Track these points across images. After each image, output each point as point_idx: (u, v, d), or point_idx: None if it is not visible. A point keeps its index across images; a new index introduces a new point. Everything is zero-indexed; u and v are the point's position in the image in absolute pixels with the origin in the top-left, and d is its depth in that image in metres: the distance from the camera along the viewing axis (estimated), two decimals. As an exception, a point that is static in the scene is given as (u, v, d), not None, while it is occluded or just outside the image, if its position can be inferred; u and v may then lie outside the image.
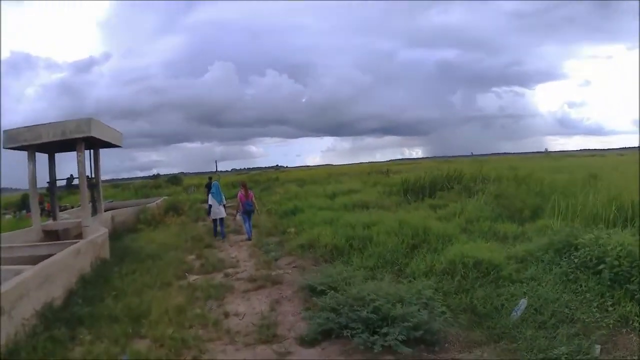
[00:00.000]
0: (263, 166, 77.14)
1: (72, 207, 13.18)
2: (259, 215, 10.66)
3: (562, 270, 4.62)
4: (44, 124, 7.18)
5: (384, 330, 3.59)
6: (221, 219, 9.41)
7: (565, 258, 4.85)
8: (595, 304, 3.96)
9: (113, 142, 8.76)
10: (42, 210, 11.95)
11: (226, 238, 9.24)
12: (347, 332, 3.69)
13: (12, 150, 7.23)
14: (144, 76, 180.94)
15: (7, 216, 16.69)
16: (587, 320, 3.75)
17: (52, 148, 8.05)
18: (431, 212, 8.84)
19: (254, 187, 19.05)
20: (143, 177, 54.12)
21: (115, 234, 9.07)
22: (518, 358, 3.34)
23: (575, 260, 4.66)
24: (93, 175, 8.95)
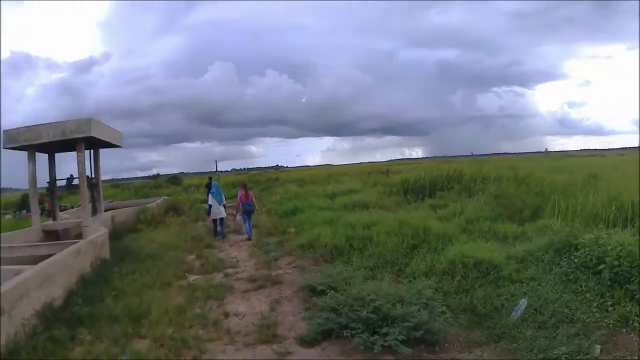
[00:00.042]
0: (263, 166, 77.27)
1: (72, 207, 13.19)
2: (259, 215, 10.66)
3: (562, 270, 4.62)
4: (44, 124, 7.17)
5: (384, 330, 3.59)
6: (221, 219, 9.41)
7: (565, 258, 4.85)
8: (595, 304, 3.96)
9: (113, 142, 8.76)
10: (42, 210, 11.96)
11: (226, 238, 9.24)
12: (347, 332, 3.69)
13: (12, 150, 7.23)
14: (144, 76, 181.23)
15: (7, 216, 16.67)
16: (587, 320, 3.75)
17: (52, 148, 8.04)
18: (431, 212, 8.84)
19: (254, 187, 19.05)
20: (143, 177, 54.25)
21: (115, 234, 9.07)
22: (518, 358, 3.34)
23: (575, 260, 4.65)
24: (93, 175, 8.94)
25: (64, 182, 8.72)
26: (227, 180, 26.94)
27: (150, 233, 9.69)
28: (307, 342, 3.80)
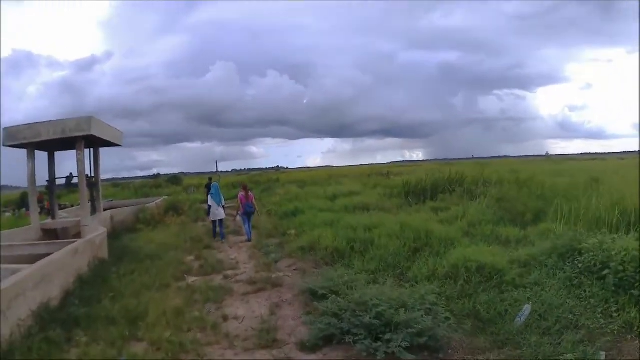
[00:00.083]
0: (264, 167, 77.26)
1: (72, 206, 13.13)
2: (259, 216, 10.60)
3: (566, 275, 4.58)
4: (44, 122, 7.13)
5: (387, 336, 3.52)
6: (220, 220, 9.36)
7: (569, 263, 4.81)
8: (599, 310, 3.92)
9: (113, 141, 8.71)
10: (42, 208, 11.93)
11: (225, 239, 9.19)
12: (349, 338, 3.61)
13: (11, 148, 7.18)
14: (145, 76, 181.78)
15: (7, 214, 16.62)
16: (591, 326, 3.71)
17: (52, 146, 8.00)
18: (433, 215, 8.79)
19: (254, 188, 19.04)
20: (143, 176, 54.18)
21: (114, 234, 9.03)
22: (523, 365, 3.29)
23: (579, 265, 4.62)
24: (93, 174, 8.90)
25: (63, 181, 8.67)
26: (227, 181, 26.91)
27: (149, 233, 9.66)
28: (308, 347, 3.72)
